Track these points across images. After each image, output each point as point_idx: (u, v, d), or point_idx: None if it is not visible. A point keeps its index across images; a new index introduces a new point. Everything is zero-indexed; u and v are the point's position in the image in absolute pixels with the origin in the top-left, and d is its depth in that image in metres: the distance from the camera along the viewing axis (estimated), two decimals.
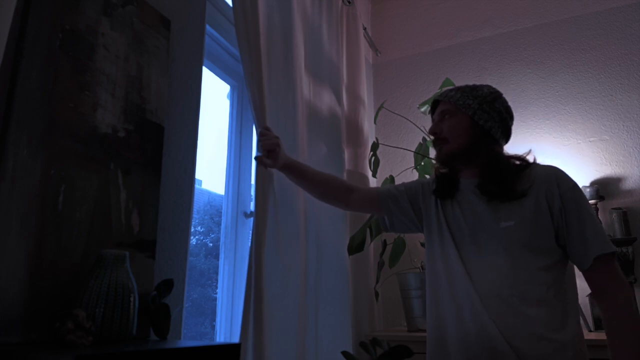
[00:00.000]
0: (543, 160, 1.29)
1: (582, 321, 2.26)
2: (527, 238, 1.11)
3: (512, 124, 1.26)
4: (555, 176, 1.15)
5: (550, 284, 1.11)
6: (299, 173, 1.45)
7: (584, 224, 1.11)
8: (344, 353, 0.93)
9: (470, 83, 1.33)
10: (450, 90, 1.26)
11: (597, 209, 2.55)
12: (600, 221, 1.18)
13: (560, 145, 2.72)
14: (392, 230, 1.45)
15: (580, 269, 1.14)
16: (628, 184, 2.58)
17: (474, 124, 1.19)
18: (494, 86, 1.30)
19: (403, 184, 1.43)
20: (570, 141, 2.72)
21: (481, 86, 1.26)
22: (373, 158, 2.21)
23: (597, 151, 2.66)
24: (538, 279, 1.10)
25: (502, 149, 1.25)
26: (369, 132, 2.48)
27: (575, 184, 1.16)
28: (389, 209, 1.39)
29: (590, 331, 2.30)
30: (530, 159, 1.24)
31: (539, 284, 1.10)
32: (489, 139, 1.20)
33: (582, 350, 1.13)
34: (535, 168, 1.19)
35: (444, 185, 1.27)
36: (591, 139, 2.69)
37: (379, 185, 2.19)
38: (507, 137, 1.26)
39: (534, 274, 1.10)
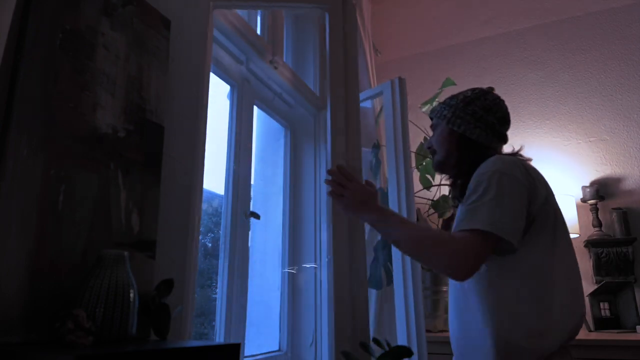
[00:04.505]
0: (542, 160, 1.29)
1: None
2: None
3: (496, 120, 1.22)
4: (481, 166, 1.13)
5: (481, 276, 1.09)
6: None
7: (469, 199, 1.07)
8: (344, 353, 0.92)
9: (470, 84, 1.35)
10: (437, 104, 1.33)
11: (597, 209, 2.55)
12: (508, 207, 1.04)
13: (560, 145, 2.72)
14: None
15: None
16: (628, 184, 2.58)
17: (451, 131, 1.24)
18: (492, 86, 1.31)
19: None
20: (570, 141, 2.72)
21: (460, 93, 1.29)
22: (374, 160, 2.21)
23: (597, 151, 2.66)
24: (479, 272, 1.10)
25: (492, 149, 1.22)
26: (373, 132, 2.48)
27: (488, 172, 1.09)
28: None
29: (590, 331, 2.31)
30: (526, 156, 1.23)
31: (477, 275, 1.09)
32: (469, 143, 1.21)
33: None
34: None
35: (450, 193, 1.33)
36: (591, 139, 2.69)
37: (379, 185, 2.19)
38: (494, 135, 1.22)
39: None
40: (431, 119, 1.34)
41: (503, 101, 1.27)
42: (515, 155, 1.22)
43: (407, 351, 0.95)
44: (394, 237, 1.14)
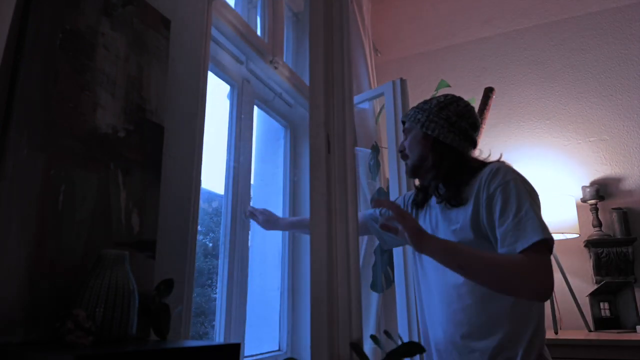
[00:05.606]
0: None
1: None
2: (470, 239, 1.12)
3: (468, 125, 1.25)
4: (490, 175, 1.13)
5: (476, 287, 1.10)
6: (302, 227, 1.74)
7: (507, 214, 1.05)
8: (352, 345, 0.91)
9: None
10: (410, 109, 1.34)
11: (597, 209, 2.55)
12: (536, 216, 1.05)
13: (560, 145, 2.72)
14: (387, 247, 1.65)
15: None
16: (628, 184, 2.58)
17: (425, 135, 1.26)
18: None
19: None
20: (570, 141, 2.72)
21: (433, 98, 1.31)
22: (372, 161, 2.21)
23: (597, 151, 2.66)
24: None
25: (464, 153, 1.24)
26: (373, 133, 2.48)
27: (509, 181, 1.10)
28: (375, 228, 1.51)
29: (590, 331, 2.31)
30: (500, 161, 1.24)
31: (472, 286, 1.11)
32: (443, 147, 1.23)
33: None
34: (483, 170, 1.17)
35: (418, 195, 1.34)
36: (591, 139, 2.69)
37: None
38: (466, 140, 1.24)
39: None
40: (403, 123, 1.36)
41: (473, 108, 1.31)
42: (479, 162, 1.24)
43: (419, 348, 0.93)
44: (464, 266, 1.05)
